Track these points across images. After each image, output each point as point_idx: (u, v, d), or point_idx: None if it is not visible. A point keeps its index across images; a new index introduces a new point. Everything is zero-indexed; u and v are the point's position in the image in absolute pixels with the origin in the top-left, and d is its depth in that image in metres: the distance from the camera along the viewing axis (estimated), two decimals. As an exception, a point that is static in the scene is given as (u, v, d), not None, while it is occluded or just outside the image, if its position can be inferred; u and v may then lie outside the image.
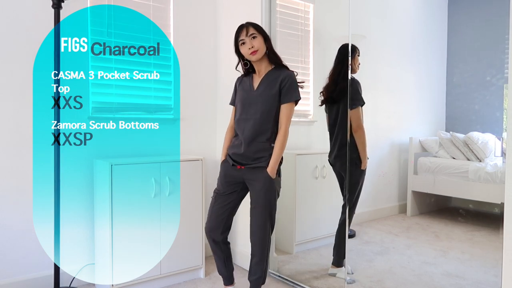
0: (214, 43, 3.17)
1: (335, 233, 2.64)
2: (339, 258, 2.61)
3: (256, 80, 2.11)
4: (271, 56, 2.07)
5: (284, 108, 2.05)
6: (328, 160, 2.72)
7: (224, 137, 2.26)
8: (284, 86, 2.03)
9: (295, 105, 2.09)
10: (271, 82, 2.05)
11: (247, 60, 2.09)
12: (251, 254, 2.15)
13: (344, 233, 2.51)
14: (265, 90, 2.05)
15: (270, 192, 2.05)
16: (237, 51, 2.09)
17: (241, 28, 2.05)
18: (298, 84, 2.08)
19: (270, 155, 2.04)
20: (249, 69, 2.15)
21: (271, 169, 2.03)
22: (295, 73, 2.09)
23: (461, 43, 3.03)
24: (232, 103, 2.25)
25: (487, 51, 2.85)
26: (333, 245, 2.65)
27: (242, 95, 2.13)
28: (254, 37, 2.02)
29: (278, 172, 2.10)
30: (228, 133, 2.24)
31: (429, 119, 3.16)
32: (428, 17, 3.21)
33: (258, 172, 2.05)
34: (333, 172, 2.70)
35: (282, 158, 2.10)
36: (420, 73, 3.18)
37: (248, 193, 2.17)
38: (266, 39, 2.06)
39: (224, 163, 2.20)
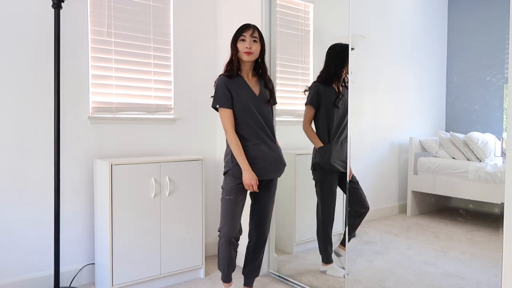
0: (214, 43, 3.17)
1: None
2: (326, 255, 2.68)
3: (253, 84, 2.18)
4: (262, 65, 2.21)
5: (273, 108, 2.29)
6: None
7: (236, 146, 2.08)
8: (272, 89, 2.24)
9: None
10: (263, 86, 2.20)
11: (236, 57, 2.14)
12: (257, 240, 2.29)
13: (323, 231, 2.64)
14: (264, 95, 2.19)
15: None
16: (234, 43, 2.12)
17: (247, 27, 2.12)
18: None
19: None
20: (234, 68, 2.14)
21: None
22: None
23: (461, 43, 3.03)
24: (228, 105, 2.09)
25: (487, 51, 2.85)
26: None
27: (246, 100, 2.11)
28: (255, 41, 2.11)
29: None
30: (238, 142, 2.09)
31: (429, 119, 3.16)
32: (428, 17, 3.21)
33: None
34: None
35: None
36: (420, 73, 3.17)
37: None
38: (263, 49, 2.17)
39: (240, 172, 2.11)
